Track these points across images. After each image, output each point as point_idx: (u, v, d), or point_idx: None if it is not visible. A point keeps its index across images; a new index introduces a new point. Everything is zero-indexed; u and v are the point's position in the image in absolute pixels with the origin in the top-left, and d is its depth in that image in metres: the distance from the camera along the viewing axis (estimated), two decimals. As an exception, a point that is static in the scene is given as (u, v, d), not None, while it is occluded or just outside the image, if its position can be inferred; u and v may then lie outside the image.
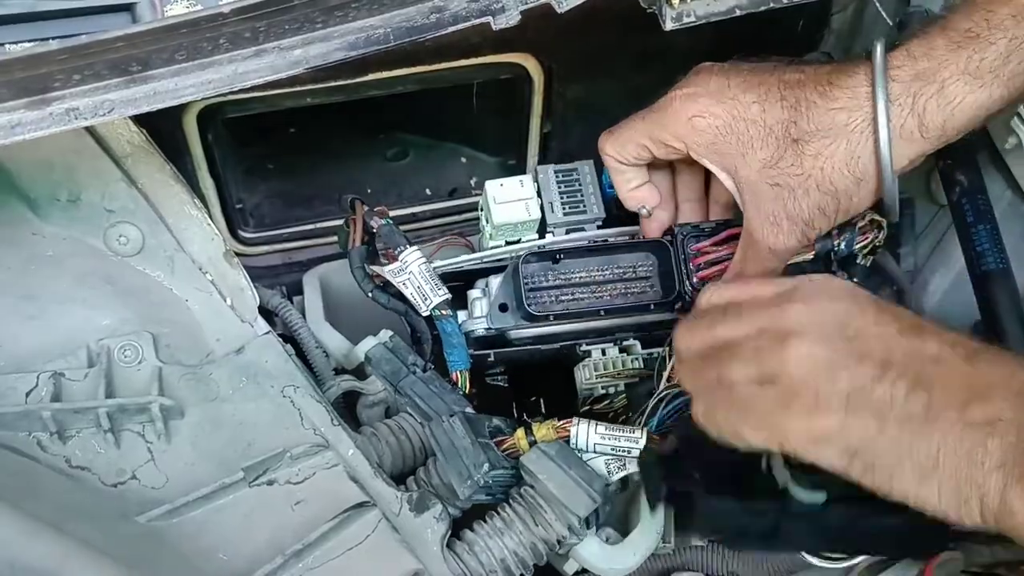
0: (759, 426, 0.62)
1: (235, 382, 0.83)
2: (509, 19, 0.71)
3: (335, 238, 1.08)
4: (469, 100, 1.14)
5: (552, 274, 0.88)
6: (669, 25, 0.75)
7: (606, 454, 0.79)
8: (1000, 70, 0.68)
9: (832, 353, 0.60)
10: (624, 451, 0.79)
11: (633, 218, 0.93)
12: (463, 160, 1.24)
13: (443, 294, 0.85)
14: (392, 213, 1.16)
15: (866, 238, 0.83)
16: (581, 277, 0.88)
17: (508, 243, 0.92)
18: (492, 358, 0.90)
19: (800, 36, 1.07)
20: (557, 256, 0.87)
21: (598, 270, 0.88)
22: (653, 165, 0.85)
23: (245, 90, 0.66)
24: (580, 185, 0.94)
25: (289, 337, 0.98)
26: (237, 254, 1.14)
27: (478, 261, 0.91)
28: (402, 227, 1.17)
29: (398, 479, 0.84)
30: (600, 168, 0.95)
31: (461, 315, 0.88)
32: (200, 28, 0.61)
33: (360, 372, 0.95)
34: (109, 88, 0.61)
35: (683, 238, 0.84)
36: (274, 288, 1.08)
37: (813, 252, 0.81)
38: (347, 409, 0.94)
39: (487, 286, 0.88)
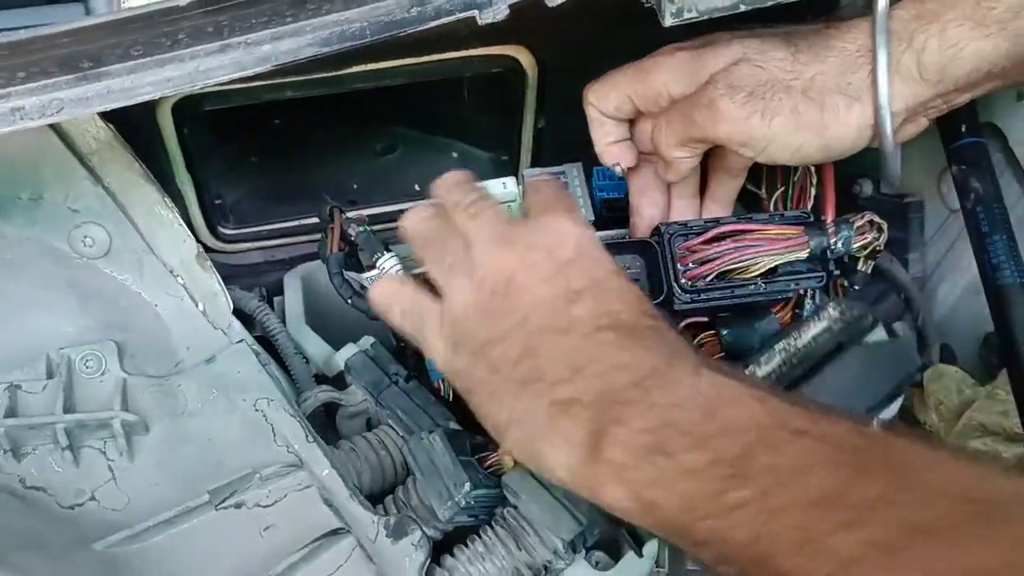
0: None
1: (204, 395, 0.78)
2: (496, 13, 0.66)
3: (320, 235, 1.04)
4: (461, 93, 1.10)
5: None
6: (668, 21, 0.70)
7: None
8: (1008, 23, 0.65)
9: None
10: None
11: (624, 222, 0.88)
12: (455, 155, 1.19)
13: None
14: (380, 210, 1.13)
15: (864, 238, 0.80)
16: None
17: None
18: (477, 367, 0.86)
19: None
20: None
21: None
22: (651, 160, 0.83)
23: (221, 83, 0.62)
24: (568, 188, 0.91)
25: (268, 340, 0.94)
26: (216, 251, 1.10)
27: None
28: (391, 225, 1.14)
29: (378, 496, 0.80)
30: (589, 171, 0.92)
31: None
32: (155, 22, 0.56)
33: (342, 379, 0.91)
34: (58, 86, 0.57)
35: (670, 237, 0.80)
36: (254, 289, 1.04)
37: (807, 250, 0.78)
38: (328, 416, 0.89)
39: None
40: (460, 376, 0.67)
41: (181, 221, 0.85)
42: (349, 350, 0.86)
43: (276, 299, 1.05)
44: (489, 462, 0.75)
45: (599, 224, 0.91)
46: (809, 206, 0.84)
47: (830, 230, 0.79)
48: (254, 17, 0.59)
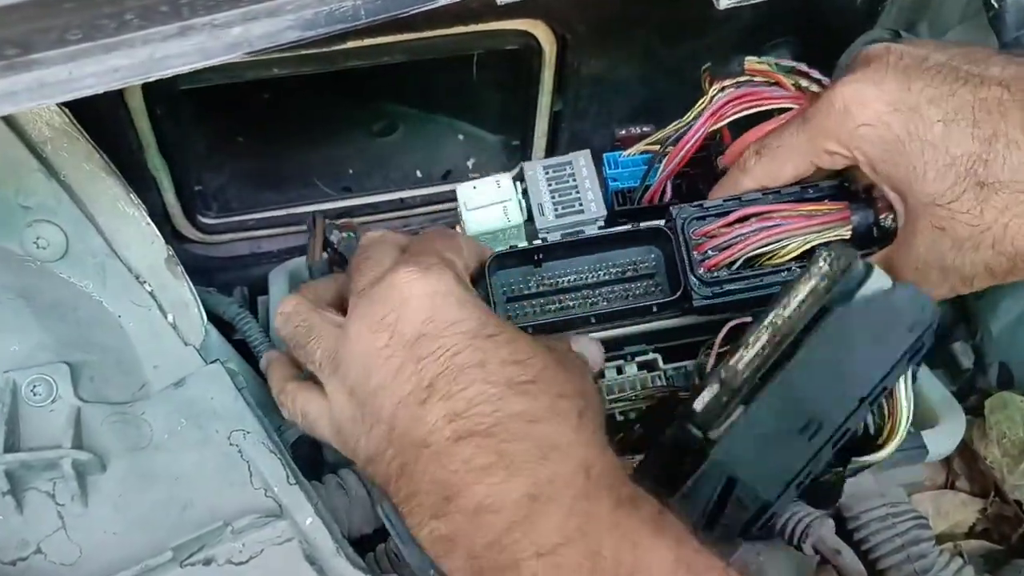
0: None
1: (172, 424, 0.68)
2: (521, -11, 0.55)
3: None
4: (469, 69, 0.99)
5: (534, 279, 0.73)
6: (724, 3, 0.58)
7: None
8: None
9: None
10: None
11: (644, 215, 0.77)
12: (460, 138, 1.08)
13: None
14: (377, 199, 1.02)
15: None
16: (570, 280, 0.73)
17: None
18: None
19: (859, 9, 0.91)
20: (537, 256, 0.72)
21: (590, 270, 0.74)
22: None
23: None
24: (575, 181, 0.79)
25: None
26: (196, 242, 1.00)
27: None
28: (389, 215, 1.04)
29: (370, 539, 0.70)
30: (599, 158, 0.80)
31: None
32: (91, 1, 0.45)
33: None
34: (-22, 77, 0.46)
35: (683, 222, 0.70)
36: (235, 289, 0.94)
37: (850, 226, 0.68)
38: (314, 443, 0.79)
39: None
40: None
41: (149, 219, 0.74)
42: (339, 369, 0.76)
43: (261, 299, 0.95)
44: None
45: (612, 219, 0.79)
46: None
47: (880, 203, 0.68)
48: (220, -6, 0.48)
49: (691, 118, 0.76)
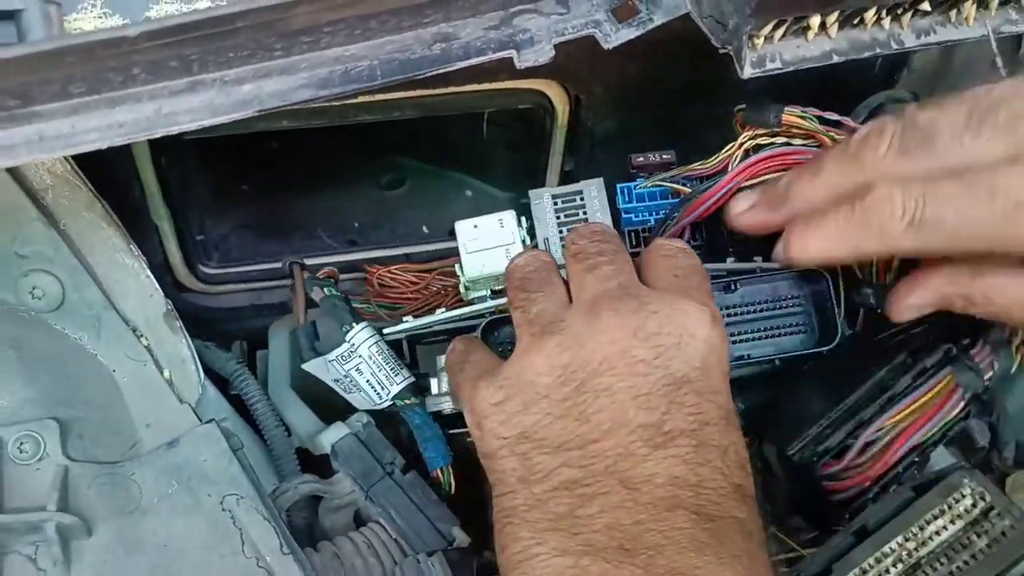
0: None
1: (163, 487, 0.65)
2: (539, 55, 0.54)
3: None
4: (479, 126, 0.97)
5: None
6: (747, 72, 0.57)
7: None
8: None
9: None
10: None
11: None
12: (468, 194, 1.07)
13: (403, 379, 0.70)
14: (382, 253, 1.00)
15: None
16: None
17: (494, 292, 0.72)
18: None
19: (877, 75, 0.90)
20: None
21: None
22: None
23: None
24: (586, 213, 0.76)
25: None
26: (196, 292, 0.98)
27: (448, 322, 0.71)
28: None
29: (364, 612, 0.67)
30: (612, 188, 0.76)
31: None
32: (95, 55, 0.43)
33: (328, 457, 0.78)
34: (-25, 130, 0.44)
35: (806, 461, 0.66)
36: (234, 343, 0.91)
37: (963, 403, 0.67)
38: (312, 503, 0.76)
39: None
40: (490, 446, 0.53)
41: (148, 272, 0.72)
42: (337, 431, 0.73)
43: (260, 353, 0.92)
44: (502, 593, 0.62)
45: None
46: None
47: (982, 362, 0.65)
48: (232, 50, 0.46)
49: (717, 162, 0.72)
